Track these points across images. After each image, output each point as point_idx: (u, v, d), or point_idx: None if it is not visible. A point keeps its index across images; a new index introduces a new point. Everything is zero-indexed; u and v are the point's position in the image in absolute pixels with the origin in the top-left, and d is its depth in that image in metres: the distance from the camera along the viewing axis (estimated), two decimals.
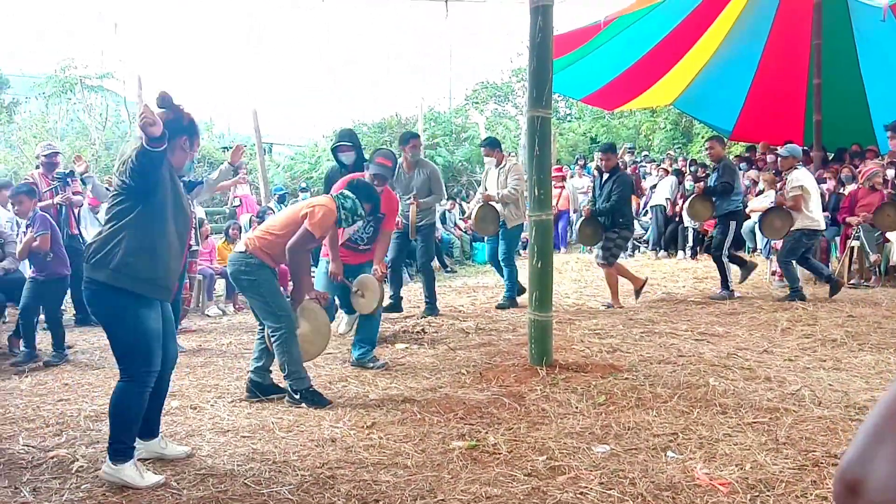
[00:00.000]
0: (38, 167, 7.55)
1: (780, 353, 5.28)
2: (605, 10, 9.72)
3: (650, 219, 12.95)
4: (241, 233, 8.76)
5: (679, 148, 18.50)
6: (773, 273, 8.84)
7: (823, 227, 7.91)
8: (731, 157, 15.25)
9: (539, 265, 4.97)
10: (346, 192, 4.58)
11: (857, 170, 9.38)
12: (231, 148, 7.30)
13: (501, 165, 7.67)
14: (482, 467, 3.30)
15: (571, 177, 15.28)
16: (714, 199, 7.80)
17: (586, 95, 12.58)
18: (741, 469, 3.18)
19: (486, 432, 3.74)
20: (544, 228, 5.00)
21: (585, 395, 4.29)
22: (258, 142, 12.74)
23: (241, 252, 4.42)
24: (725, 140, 9.24)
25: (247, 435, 3.84)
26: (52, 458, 3.55)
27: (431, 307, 7.41)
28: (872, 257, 8.42)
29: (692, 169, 12.86)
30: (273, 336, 4.37)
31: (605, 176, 7.60)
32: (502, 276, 7.87)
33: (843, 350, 5.36)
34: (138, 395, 3.25)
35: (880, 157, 10.04)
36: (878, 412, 0.72)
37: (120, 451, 3.20)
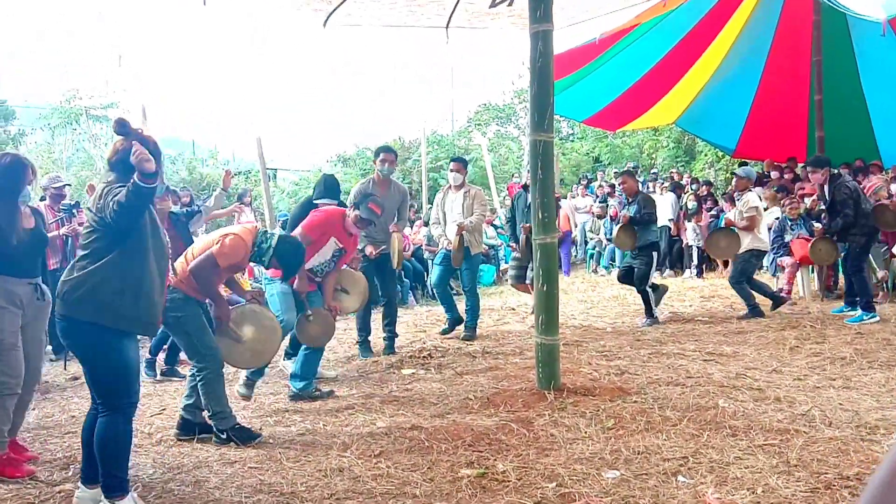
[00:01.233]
0: (43, 198, 7.58)
1: (790, 373, 5.25)
2: (601, 29, 9.74)
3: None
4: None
5: (682, 166, 18.51)
6: (780, 291, 8.81)
7: (768, 247, 8.18)
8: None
9: (545, 288, 4.96)
10: (272, 236, 4.44)
11: (861, 185, 9.37)
12: (236, 173, 7.35)
13: (465, 191, 7.38)
14: (491, 495, 3.27)
15: (573, 196, 15.31)
16: (636, 229, 7.71)
17: (588, 117, 12.62)
18: (753, 493, 3.15)
19: (495, 459, 3.72)
20: (549, 251, 5.00)
21: (594, 420, 4.26)
22: (262, 168, 12.75)
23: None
24: (636, 173, 9.27)
25: (254, 466, 3.82)
26: (60, 492, 3.53)
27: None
28: (880, 273, 8.39)
29: (693, 187, 12.87)
30: (198, 375, 4.22)
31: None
32: (444, 303, 7.60)
33: (852, 368, 5.32)
34: (123, 426, 3.22)
35: (884, 172, 10.03)
36: (890, 461, 0.71)
37: (114, 485, 3.18)
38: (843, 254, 7.63)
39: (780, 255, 9.18)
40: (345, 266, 5.74)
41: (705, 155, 18.43)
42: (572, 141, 25.14)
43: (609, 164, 21.17)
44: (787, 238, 9.07)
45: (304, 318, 5.19)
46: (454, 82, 43.61)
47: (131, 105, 21.26)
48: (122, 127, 3.16)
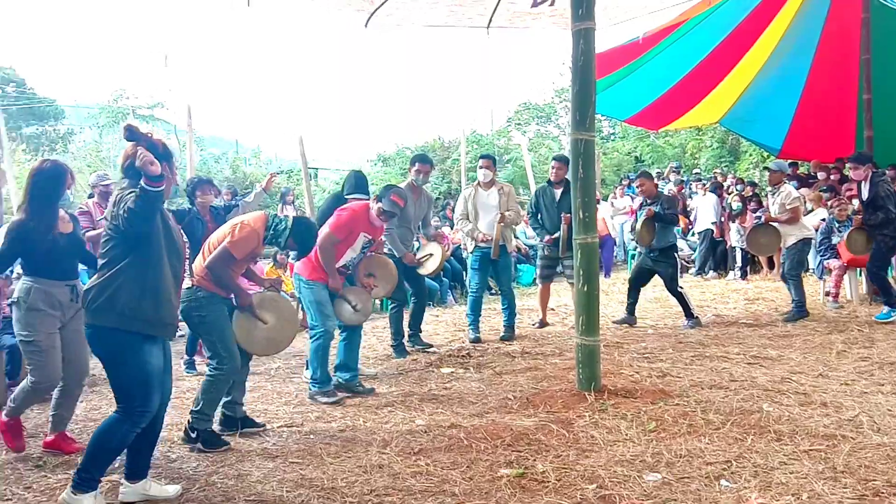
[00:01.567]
0: (91, 196, 7.75)
1: (836, 378, 5.13)
2: (644, 28, 9.62)
3: (698, 240, 12.80)
4: (288, 258, 8.82)
5: (726, 166, 18.22)
6: (828, 294, 8.62)
7: (814, 235, 8.06)
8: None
9: (585, 289, 4.93)
10: (285, 218, 4.48)
11: None
12: (279, 172, 7.50)
13: (499, 188, 7.37)
14: (531, 496, 3.26)
15: (614, 197, 15.16)
16: (657, 227, 7.60)
17: (630, 116, 12.48)
18: (798, 499, 3.09)
19: (535, 460, 3.70)
20: (590, 251, 4.96)
21: (635, 422, 4.22)
22: (304, 167, 12.88)
23: (187, 288, 4.20)
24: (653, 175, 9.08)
25: (295, 461, 3.87)
26: (106, 483, 3.61)
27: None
28: None
29: (738, 188, 12.65)
30: (210, 375, 4.26)
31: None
32: (475, 314, 7.41)
33: None
34: (127, 433, 3.25)
35: None
36: None
37: (85, 480, 3.20)
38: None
39: (828, 258, 8.97)
40: (371, 253, 5.85)
41: (750, 155, 18.11)
42: (613, 140, 24.93)
43: (651, 164, 20.93)
44: (835, 240, 8.86)
45: (344, 305, 5.33)
46: (494, 82, 43.47)
47: (176, 104, 21.65)
48: (131, 133, 3.18)
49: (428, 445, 4.01)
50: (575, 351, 5.03)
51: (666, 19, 9.70)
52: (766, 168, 9.39)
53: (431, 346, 6.98)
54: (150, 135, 3.27)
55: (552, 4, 6.77)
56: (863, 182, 7.35)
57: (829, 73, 10.54)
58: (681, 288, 7.67)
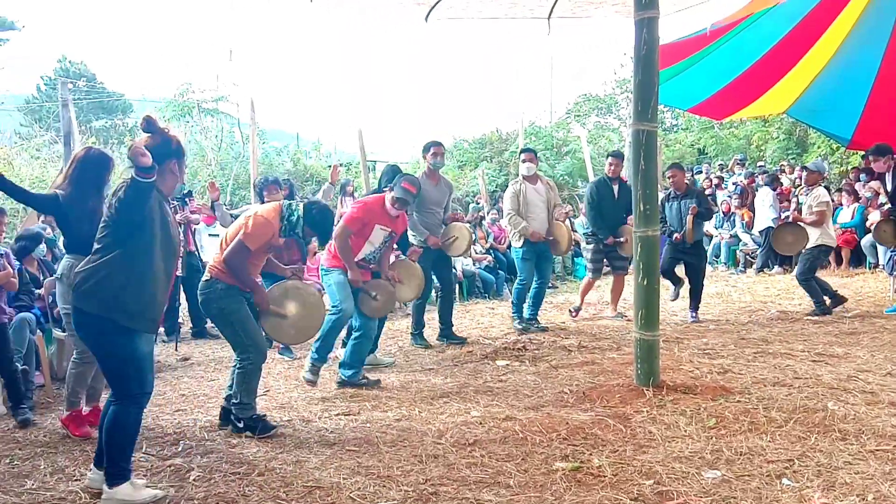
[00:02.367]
0: None
1: None
2: (710, 18, 9.39)
3: (761, 235, 12.46)
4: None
5: (794, 158, 17.69)
6: None
7: (835, 243, 8.14)
8: (850, 167, 14.50)
9: (644, 282, 4.85)
10: (297, 207, 4.39)
11: None
12: (339, 164, 7.61)
13: (547, 182, 7.56)
14: (586, 490, 3.23)
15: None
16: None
17: (693, 106, 12.20)
18: (863, 500, 2.99)
19: (590, 454, 3.67)
20: (650, 245, 4.88)
21: (695, 418, 4.14)
22: (363, 160, 13.02)
23: (205, 280, 4.29)
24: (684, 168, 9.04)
25: (352, 448, 3.92)
26: (170, 466, 3.72)
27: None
28: None
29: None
30: (239, 366, 4.30)
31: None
32: (537, 302, 7.61)
33: None
34: (134, 416, 3.27)
35: None
36: None
37: (117, 473, 3.23)
38: None
39: None
40: (403, 257, 6.04)
41: (818, 147, 17.52)
42: (676, 132, 24.43)
43: (715, 155, 20.45)
44: None
45: (367, 296, 5.36)
46: (554, 73, 43.09)
47: (240, 98, 22.04)
48: (148, 125, 3.23)
49: (483, 437, 4.01)
50: (633, 346, 4.96)
51: (733, 10, 9.45)
52: (804, 167, 9.47)
53: (465, 340, 6.98)
54: (166, 130, 3.32)
55: None
56: (886, 174, 7.39)
57: None
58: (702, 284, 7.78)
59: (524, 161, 7.46)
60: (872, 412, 4.14)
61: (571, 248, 9.49)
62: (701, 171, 16.82)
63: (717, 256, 13.21)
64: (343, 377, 5.35)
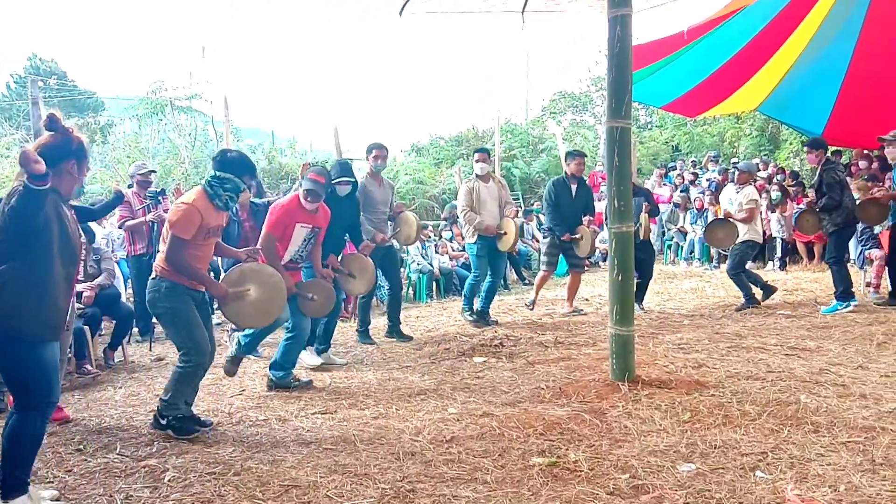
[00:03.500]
0: (130, 186, 7.89)
1: (876, 369, 5.02)
2: (683, 17, 9.49)
3: None
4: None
5: (766, 155, 17.90)
6: (868, 284, 8.45)
7: (761, 239, 8.60)
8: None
9: (619, 278, 4.88)
10: (222, 175, 4.19)
11: None
12: (314, 163, 7.60)
13: (498, 181, 7.89)
14: (563, 485, 3.25)
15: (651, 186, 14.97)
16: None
17: (667, 103, 12.31)
18: (835, 491, 3.04)
19: (567, 449, 3.69)
20: (625, 240, 4.91)
21: (669, 412, 4.18)
22: (338, 157, 12.97)
23: (151, 278, 4.19)
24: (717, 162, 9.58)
25: (329, 447, 3.90)
26: (144, 467, 3.69)
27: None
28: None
29: (779, 178, 12.42)
30: (179, 366, 4.19)
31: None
32: (489, 298, 7.86)
33: None
34: (37, 426, 3.15)
35: None
36: None
37: (14, 486, 3.10)
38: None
39: (869, 248, 8.78)
40: (354, 252, 6.16)
41: (790, 143, 17.74)
42: (650, 129, 24.64)
43: (689, 152, 20.65)
44: (877, 230, 8.68)
45: (303, 298, 5.28)
46: (529, 70, 43.20)
47: (214, 96, 21.85)
48: (52, 122, 3.11)
49: (460, 433, 4.01)
50: (609, 341, 4.99)
51: (704, 5, 9.55)
52: (734, 167, 9.91)
53: (411, 337, 7.13)
54: (70, 130, 3.20)
55: None
56: (816, 167, 7.85)
57: (873, 59, 10.27)
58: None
59: (477, 161, 7.76)
60: (844, 405, 4.21)
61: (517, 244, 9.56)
62: (675, 168, 16.95)
63: (692, 252, 13.32)
64: (273, 378, 5.28)
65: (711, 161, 16.66)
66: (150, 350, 6.92)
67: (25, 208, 2.91)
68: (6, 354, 3.08)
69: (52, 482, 3.53)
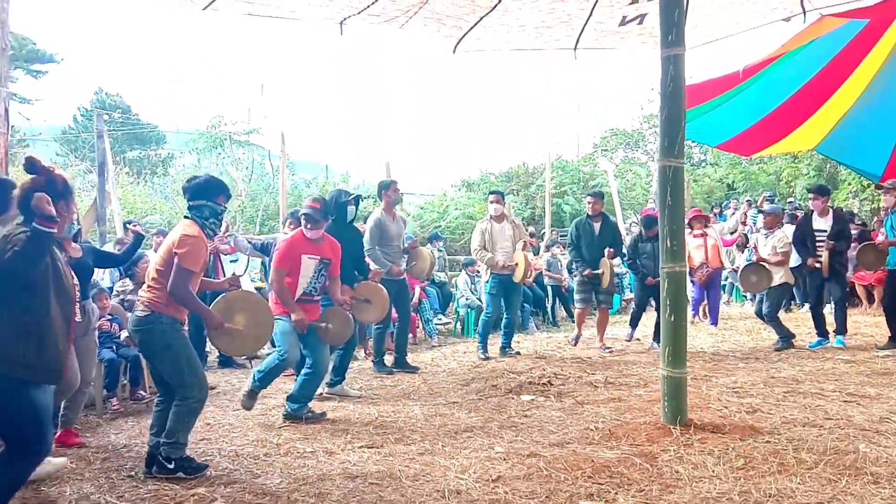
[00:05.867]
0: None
1: None
2: (737, 56, 9.45)
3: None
4: None
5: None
6: None
7: (793, 281, 8.75)
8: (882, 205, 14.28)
9: (672, 318, 4.80)
10: (198, 203, 4.16)
11: None
12: (364, 198, 7.83)
13: (512, 221, 8.29)
14: None
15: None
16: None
17: (722, 142, 12.17)
18: None
19: (616, 493, 3.62)
20: (677, 280, 4.85)
21: (722, 458, 4.07)
22: None
23: (145, 315, 4.02)
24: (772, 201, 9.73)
25: (374, 482, 3.90)
26: (193, 495, 3.73)
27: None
28: None
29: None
30: (180, 403, 4.05)
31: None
32: (505, 335, 8.23)
33: None
34: (21, 474, 3.11)
35: None
36: None
37: None
38: None
39: None
40: (366, 280, 6.31)
41: (848, 184, 17.37)
42: (704, 167, 24.37)
43: (743, 191, 20.34)
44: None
45: (322, 328, 5.37)
46: (580, 107, 43.25)
47: (271, 130, 22.41)
48: (31, 166, 3.09)
49: (506, 473, 3.97)
50: (660, 383, 4.90)
51: (759, 44, 9.47)
52: (760, 211, 10.14)
53: (417, 368, 7.35)
54: (52, 169, 3.18)
55: (640, 23, 6.69)
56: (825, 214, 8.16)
57: None
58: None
59: (491, 202, 8.13)
60: None
61: (530, 275, 9.92)
62: (728, 207, 16.69)
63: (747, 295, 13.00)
64: (288, 409, 5.35)
65: (767, 201, 16.35)
66: None
67: (33, 251, 2.89)
68: (3, 399, 3.00)
69: None
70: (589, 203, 8.41)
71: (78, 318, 3.77)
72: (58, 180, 3.17)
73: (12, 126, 12.49)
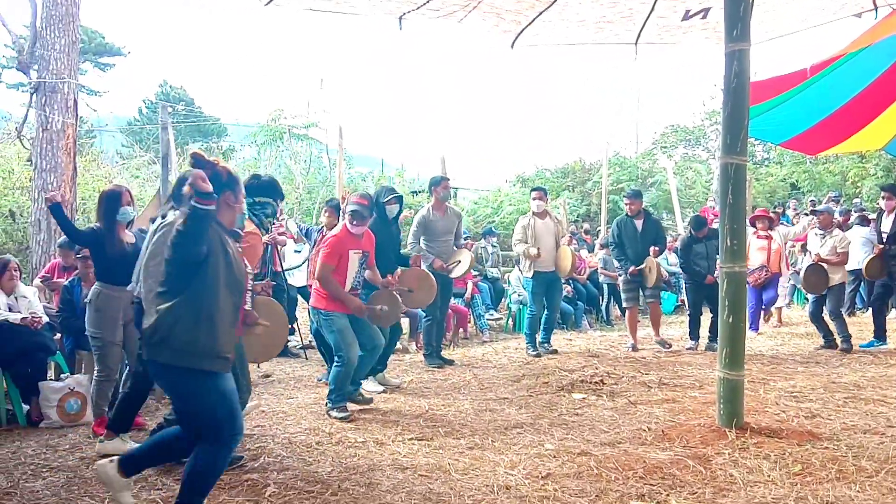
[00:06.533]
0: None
1: None
2: (802, 50, 9.19)
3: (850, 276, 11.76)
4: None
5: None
6: None
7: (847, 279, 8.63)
8: None
9: (731, 320, 4.71)
10: (263, 200, 4.49)
11: None
12: (420, 192, 7.86)
13: (554, 218, 8.35)
14: None
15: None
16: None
17: (786, 140, 11.84)
18: None
19: (668, 494, 3.57)
20: (737, 280, 4.74)
21: (779, 463, 3.98)
22: None
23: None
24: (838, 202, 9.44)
25: (424, 474, 3.92)
26: (247, 481, 3.82)
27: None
28: None
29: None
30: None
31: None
32: (548, 329, 8.26)
33: None
34: (224, 460, 3.18)
35: None
36: None
37: None
38: None
39: None
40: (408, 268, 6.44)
41: None
42: (767, 165, 23.73)
43: (808, 191, 19.75)
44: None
45: (373, 310, 5.48)
46: (640, 102, 42.60)
47: (329, 124, 22.64)
48: (197, 161, 3.13)
49: (556, 471, 3.95)
50: (716, 385, 4.81)
51: (825, 41, 9.19)
52: (813, 211, 9.73)
53: (452, 361, 7.48)
54: (216, 162, 3.23)
55: (704, 17, 6.55)
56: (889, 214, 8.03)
57: None
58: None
59: (534, 199, 8.18)
60: None
61: (576, 269, 10.13)
62: (789, 206, 16.24)
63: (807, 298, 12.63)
64: (328, 403, 5.38)
65: (832, 201, 15.87)
66: (259, 367, 7.16)
67: (192, 229, 2.91)
68: (187, 392, 3.12)
69: (161, 489, 3.70)
70: (626, 204, 8.47)
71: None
72: (222, 172, 3.24)
73: (80, 117, 12.88)
